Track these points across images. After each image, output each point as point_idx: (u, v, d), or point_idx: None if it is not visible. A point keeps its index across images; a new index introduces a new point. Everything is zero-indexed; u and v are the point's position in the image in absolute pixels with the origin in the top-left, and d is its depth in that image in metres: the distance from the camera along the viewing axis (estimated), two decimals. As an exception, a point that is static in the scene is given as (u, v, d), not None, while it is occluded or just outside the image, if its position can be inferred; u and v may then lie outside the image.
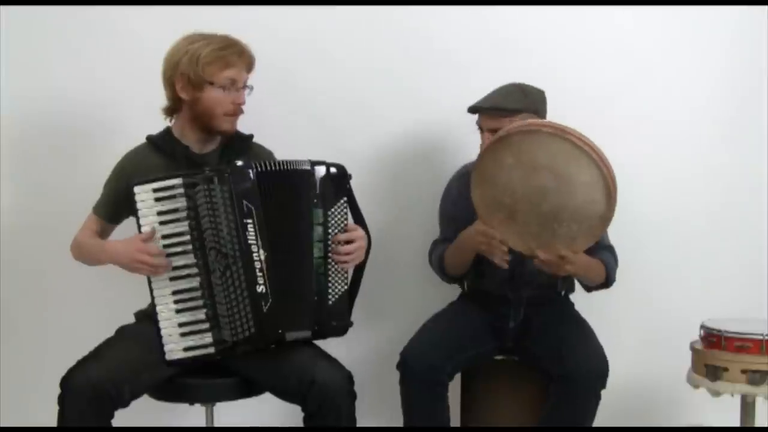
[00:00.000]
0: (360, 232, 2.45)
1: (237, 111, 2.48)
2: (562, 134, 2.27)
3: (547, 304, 2.74)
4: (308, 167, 2.38)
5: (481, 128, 2.64)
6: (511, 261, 2.52)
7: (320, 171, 2.39)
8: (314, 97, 3.08)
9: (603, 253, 2.62)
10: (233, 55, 2.43)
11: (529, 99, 2.60)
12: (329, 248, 2.39)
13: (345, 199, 2.42)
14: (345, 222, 2.42)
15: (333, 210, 2.40)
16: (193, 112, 2.46)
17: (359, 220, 2.49)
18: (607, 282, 2.65)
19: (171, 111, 2.52)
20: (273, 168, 2.35)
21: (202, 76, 2.40)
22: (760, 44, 3.02)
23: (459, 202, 2.73)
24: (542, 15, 3.05)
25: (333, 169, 2.41)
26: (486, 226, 2.46)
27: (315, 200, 2.37)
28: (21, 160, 3.09)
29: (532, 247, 2.43)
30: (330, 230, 2.39)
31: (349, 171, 2.44)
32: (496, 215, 2.43)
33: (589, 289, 2.70)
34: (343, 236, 2.40)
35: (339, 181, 2.42)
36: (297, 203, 2.36)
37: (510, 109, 2.56)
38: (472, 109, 2.64)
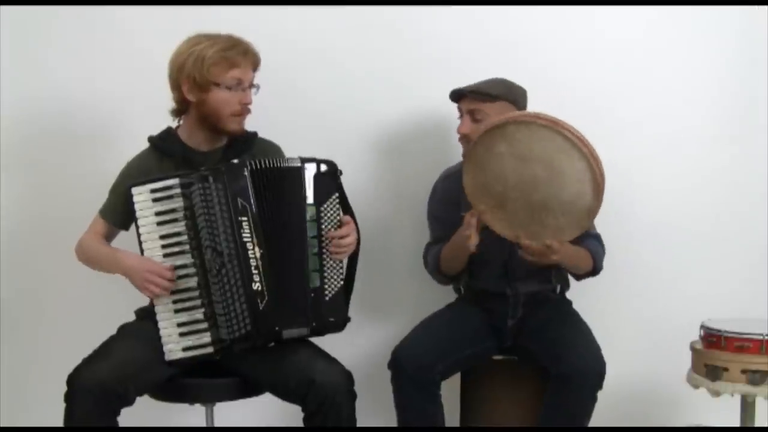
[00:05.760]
0: (351, 225, 2.44)
1: (244, 111, 2.47)
2: (556, 127, 2.30)
3: (544, 302, 2.74)
4: (298, 164, 2.37)
5: (461, 112, 2.67)
6: (503, 256, 2.56)
7: (311, 168, 2.38)
8: (313, 96, 3.08)
9: (590, 241, 2.63)
10: (238, 55, 2.43)
11: (511, 90, 2.64)
12: (323, 244, 2.39)
13: (336, 195, 2.42)
14: (338, 217, 2.42)
15: (326, 206, 2.39)
16: (201, 113, 2.46)
17: (348, 214, 2.48)
18: (595, 270, 2.66)
19: (178, 112, 2.52)
20: (266, 165, 2.35)
21: (207, 78, 2.40)
22: (760, 44, 3.02)
23: (445, 203, 2.76)
24: (542, 15, 3.05)
25: (324, 166, 2.40)
26: (472, 212, 2.47)
27: (306, 196, 2.37)
28: (21, 160, 3.09)
29: (519, 234, 2.45)
30: (323, 226, 2.39)
31: (348, 168, 2.44)
32: (485, 201, 2.45)
33: (578, 277, 2.72)
34: (337, 233, 2.39)
35: (330, 177, 2.41)
36: (289, 200, 2.36)
37: (492, 94, 2.59)
38: (454, 94, 2.67)
